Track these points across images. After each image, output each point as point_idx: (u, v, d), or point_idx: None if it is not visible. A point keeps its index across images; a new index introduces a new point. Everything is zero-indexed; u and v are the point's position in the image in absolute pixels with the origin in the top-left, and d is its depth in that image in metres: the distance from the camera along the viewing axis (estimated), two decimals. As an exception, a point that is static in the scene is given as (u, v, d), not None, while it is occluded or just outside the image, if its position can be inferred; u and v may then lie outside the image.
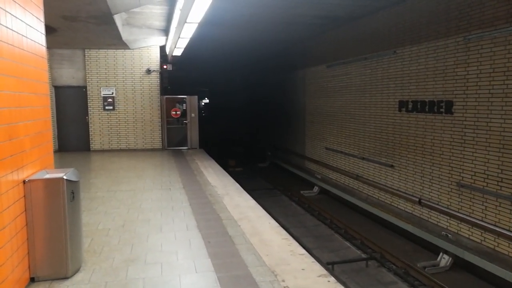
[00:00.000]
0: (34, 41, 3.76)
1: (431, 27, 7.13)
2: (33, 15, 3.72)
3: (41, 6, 3.99)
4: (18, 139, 3.26)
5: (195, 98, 13.54)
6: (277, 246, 4.37)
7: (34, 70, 3.75)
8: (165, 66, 13.15)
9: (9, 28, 3.13)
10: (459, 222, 6.67)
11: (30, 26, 3.64)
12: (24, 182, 3.36)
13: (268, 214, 5.67)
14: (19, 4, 3.35)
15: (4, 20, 3.04)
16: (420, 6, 7.39)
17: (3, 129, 2.97)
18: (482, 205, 6.24)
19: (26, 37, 3.52)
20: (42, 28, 3.99)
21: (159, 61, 12.75)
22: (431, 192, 7.33)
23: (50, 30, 8.96)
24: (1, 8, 2.99)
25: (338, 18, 9.45)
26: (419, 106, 7.53)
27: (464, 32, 6.42)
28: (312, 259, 4.04)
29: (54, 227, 3.49)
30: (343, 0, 7.86)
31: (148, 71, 12.59)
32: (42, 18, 4.00)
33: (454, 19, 6.62)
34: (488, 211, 6.14)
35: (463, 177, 6.60)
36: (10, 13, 3.15)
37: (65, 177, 3.50)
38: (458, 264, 6.66)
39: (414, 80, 7.63)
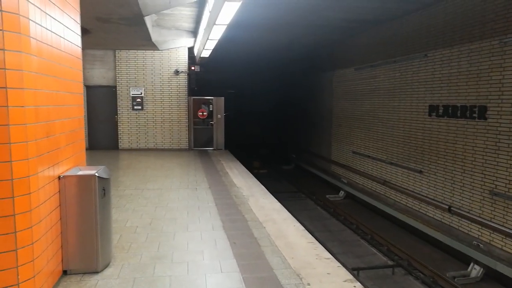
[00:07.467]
0: (71, 42, 3.88)
1: (465, 29, 6.93)
2: (70, 17, 3.85)
3: (78, 8, 4.12)
4: (55, 136, 3.38)
5: (221, 99, 13.64)
6: (302, 250, 4.35)
7: (70, 70, 3.87)
8: (193, 68, 13.31)
9: (49, 30, 3.25)
10: (492, 231, 6.44)
11: (67, 28, 3.77)
12: (59, 177, 3.47)
13: (293, 217, 5.64)
14: (57, 6, 3.47)
15: (45, 22, 3.16)
16: (454, 8, 7.19)
17: (42, 126, 3.08)
18: (517, 214, 6.01)
19: (63, 38, 3.64)
20: (78, 29, 4.12)
21: (187, 62, 12.92)
22: (462, 199, 7.11)
23: (84, 31, 9.24)
24: (42, 10, 3.10)
25: (367, 21, 9.33)
26: (450, 111, 7.32)
27: (500, 35, 6.21)
28: (338, 264, 3.99)
29: (86, 223, 3.59)
30: (372, 3, 7.76)
31: (176, 72, 12.79)
32: (78, 19, 4.13)
33: (490, 21, 6.41)
34: (523, 221, 5.91)
35: (496, 185, 6.37)
36: (49, 15, 3.27)
37: (97, 174, 3.60)
38: (490, 275, 6.42)
39: (446, 84, 7.43)
